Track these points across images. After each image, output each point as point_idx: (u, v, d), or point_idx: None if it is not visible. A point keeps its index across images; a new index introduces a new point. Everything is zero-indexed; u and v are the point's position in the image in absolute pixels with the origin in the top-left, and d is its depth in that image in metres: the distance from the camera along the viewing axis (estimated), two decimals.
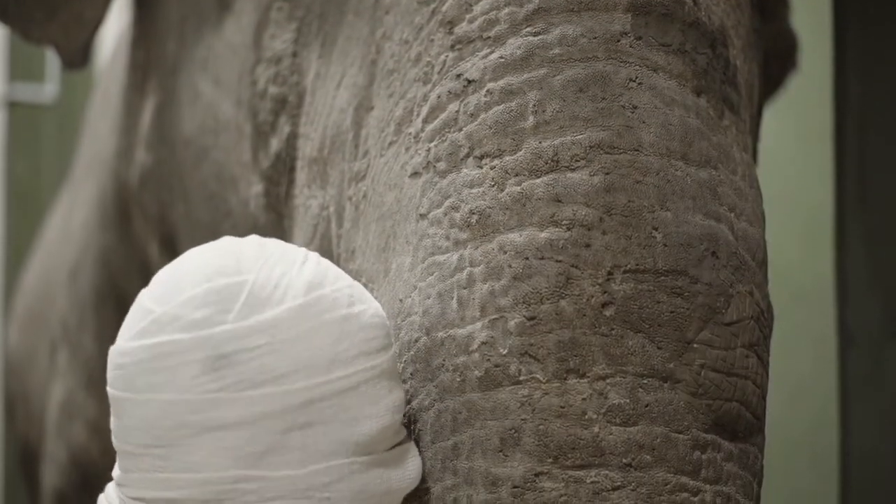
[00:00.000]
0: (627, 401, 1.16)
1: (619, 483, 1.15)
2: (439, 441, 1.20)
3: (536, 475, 1.16)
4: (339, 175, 1.42)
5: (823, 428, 2.12)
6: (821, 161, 2.12)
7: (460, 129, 1.25)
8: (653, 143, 1.21)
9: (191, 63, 1.79)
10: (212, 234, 1.67)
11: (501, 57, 1.25)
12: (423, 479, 1.20)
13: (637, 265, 1.18)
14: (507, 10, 1.26)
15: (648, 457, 1.16)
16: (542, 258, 1.18)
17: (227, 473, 1.12)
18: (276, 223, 1.59)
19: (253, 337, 1.13)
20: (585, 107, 1.22)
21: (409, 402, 1.22)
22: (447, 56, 1.29)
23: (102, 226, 2.23)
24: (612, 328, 1.17)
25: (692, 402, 1.18)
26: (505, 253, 1.19)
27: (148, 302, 1.16)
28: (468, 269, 1.21)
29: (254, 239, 1.21)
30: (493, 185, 1.22)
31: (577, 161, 1.20)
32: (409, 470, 1.19)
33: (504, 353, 1.17)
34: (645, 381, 1.17)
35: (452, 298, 1.21)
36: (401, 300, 1.25)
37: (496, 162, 1.22)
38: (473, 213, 1.22)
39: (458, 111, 1.26)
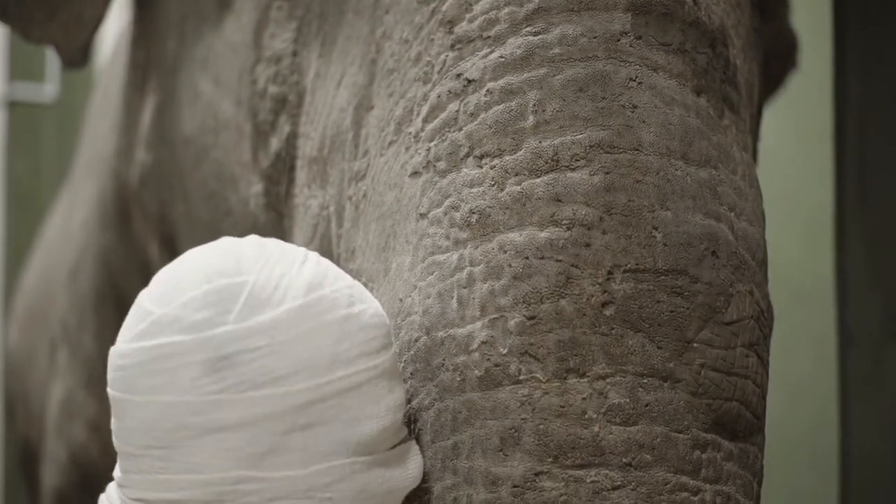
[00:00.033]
0: (627, 400, 1.16)
1: (619, 482, 1.15)
2: (439, 440, 1.20)
3: (536, 475, 1.16)
4: (339, 174, 1.42)
5: (823, 428, 2.12)
6: (821, 161, 2.12)
7: (460, 129, 1.25)
8: (653, 143, 1.21)
9: (191, 62, 1.79)
10: (212, 234, 1.67)
11: (501, 56, 1.25)
12: (423, 479, 1.20)
13: (637, 265, 1.18)
14: (507, 9, 1.26)
15: (648, 456, 1.16)
16: (542, 258, 1.18)
17: (228, 475, 1.12)
18: (276, 223, 1.59)
19: (253, 338, 1.13)
20: (585, 106, 1.22)
21: (409, 401, 1.22)
22: (447, 55, 1.29)
23: (102, 225, 2.23)
24: (612, 328, 1.17)
25: (692, 402, 1.18)
26: (505, 252, 1.19)
27: (148, 303, 1.16)
28: (468, 268, 1.21)
29: (253, 239, 1.21)
30: (493, 185, 1.21)
31: (577, 160, 1.20)
32: (410, 469, 1.19)
33: (504, 352, 1.17)
34: (645, 381, 1.17)
35: (452, 298, 1.21)
36: (401, 300, 1.25)
37: (496, 161, 1.22)
38: (473, 213, 1.22)
39: (458, 111, 1.26)
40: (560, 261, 1.18)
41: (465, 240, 1.22)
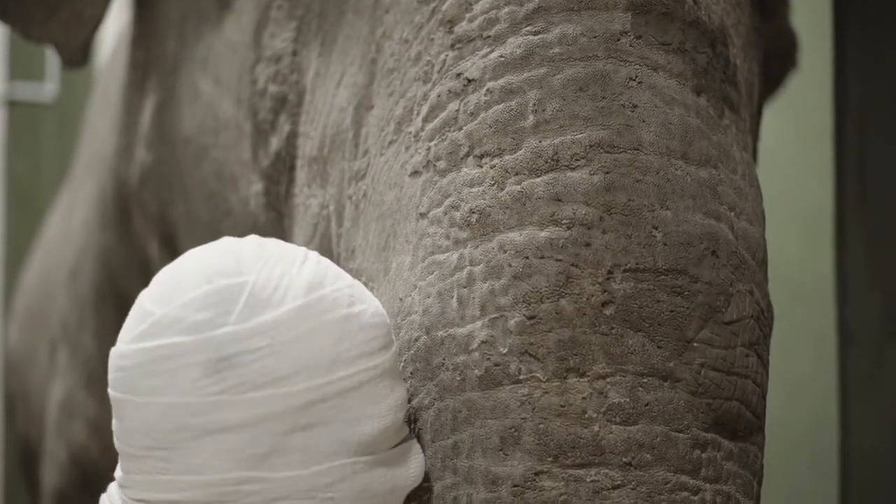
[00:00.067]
0: (627, 400, 1.16)
1: (619, 482, 1.15)
2: (439, 440, 1.20)
3: (536, 474, 1.16)
4: (339, 174, 1.42)
5: (823, 427, 2.12)
6: (821, 160, 2.12)
7: (460, 128, 1.25)
8: (653, 142, 1.21)
9: (191, 62, 1.79)
10: (212, 233, 1.67)
11: (501, 56, 1.25)
12: (424, 478, 1.20)
13: (637, 264, 1.18)
14: (507, 9, 1.26)
15: (648, 456, 1.16)
16: (542, 257, 1.18)
17: (229, 475, 1.12)
18: (276, 222, 1.59)
19: (254, 339, 1.12)
20: (585, 106, 1.22)
21: (409, 400, 1.22)
22: (447, 55, 1.29)
23: (102, 225, 2.23)
24: (612, 327, 1.17)
25: (692, 401, 1.18)
26: (505, 252, 1.19)
27: (148, 304, 1.16)
28: (468, 268, 1.21)
29: (253, 239, 1.21)
30: (493, 184, 1.21)
31: (577, 160, 1.20)
32: (411, 468, 1.19)
33: (504, 351, 1.17)
34: (645, 380, 1.17)
35: (452, 297, 1.21)
36: (401, 299, 1.25)
37: (496, 161, 1.22)
38: (473, 212, 1.22)
39: (458, 110, 1.26)
40: (560, 260, 1.18)
41: (465, 239, 1.21)
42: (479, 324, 1.19)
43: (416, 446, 1.20)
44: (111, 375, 1.17)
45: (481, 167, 1.23)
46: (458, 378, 1.19)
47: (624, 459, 1.15)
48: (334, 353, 1.14)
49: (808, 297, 2.36)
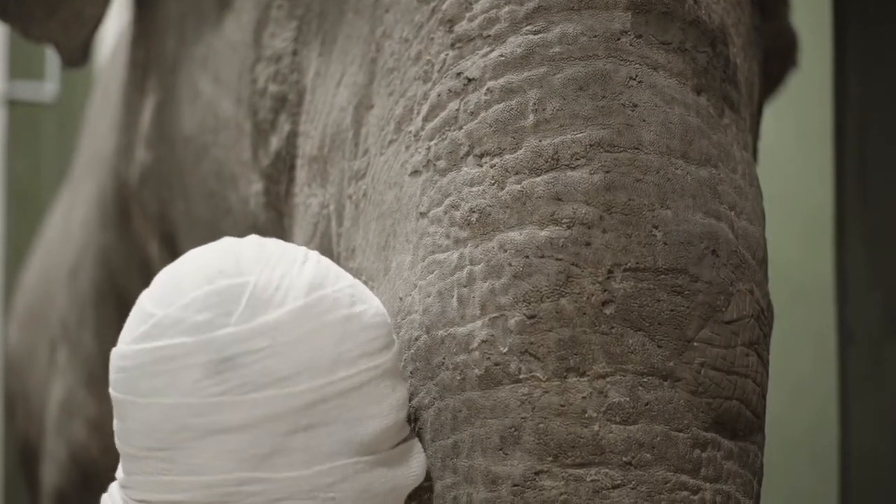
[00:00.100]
0: (627, 399, 1.16)
1: (619, 481, 1.15)
2: (439, 439, 1.20)
3: (536, 473, 1.16)
4: (339, 173, 1.42)
5: (823, 427, 2.12)
6: (821, 160, 2.12)
7: (460, 128, 1.25)
8: (653, 142, 1.21)
9: (191, 61, 1.79)
10: (211, 232, 1.67)
11: (502, 55, 1.25)
12: (424, 477, 1.20)
13: (637, 263, 1.18)
14: (507, 8, 1.26)
15: (648, 455, 1.16)
16: (543, 256, 1.18)
17: (230, 476, 1.12)
18: (276, 221, 1.59)
19: (255, 339, 1.12)
20: (585, 105, 1.22)
21: (409, 400, 1.22)
22: (447, 54, 1.29)
23: (102, 224, 2.23)
24: (612, 326, 1.17)
25: (692, 401, 1.18)
26: (505, 251, 1.19)
27: (149, 305, 1.16)
28: (468, 267, 1.21)
29: (253, 239, 1.21)
30: (494, 184, 1.21)
31: (577, 159, 1.20)
32: (413, 467, 1.19)
33: (504, 351, 1.17)
34: (645, 380, 1.17)
35: (453, 297, 1.21)
36: (401, 298, 1.25)
37: (496, 160, 1.22)
38: (474, 212, 1.22)
39: (458, 109, 1.26)
40: (560, 259, 1.18)
41: (465, 238, 1.21)
42: (479, 323, 1.19)
43: (418, 446, 1.20)
44: (112, 376, 1.17)
45: (481, 166, 1.23)
46: (459, 377, 1.19)
47: (624, 459, 1.15)
48: (336, 354, 1.14)
49: (808, 297, 2.36)
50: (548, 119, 1.22)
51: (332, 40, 1.49)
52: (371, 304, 1.19)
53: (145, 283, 1.21)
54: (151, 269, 1.98)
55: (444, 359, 1.20)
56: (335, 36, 1.49)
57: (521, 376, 1.17)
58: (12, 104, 3.59)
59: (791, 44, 1.88)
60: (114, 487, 1.20)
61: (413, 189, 1.27)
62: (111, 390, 1.17)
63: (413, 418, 1.22)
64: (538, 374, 1.16)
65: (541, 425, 1.16)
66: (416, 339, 1.22)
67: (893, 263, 1.88)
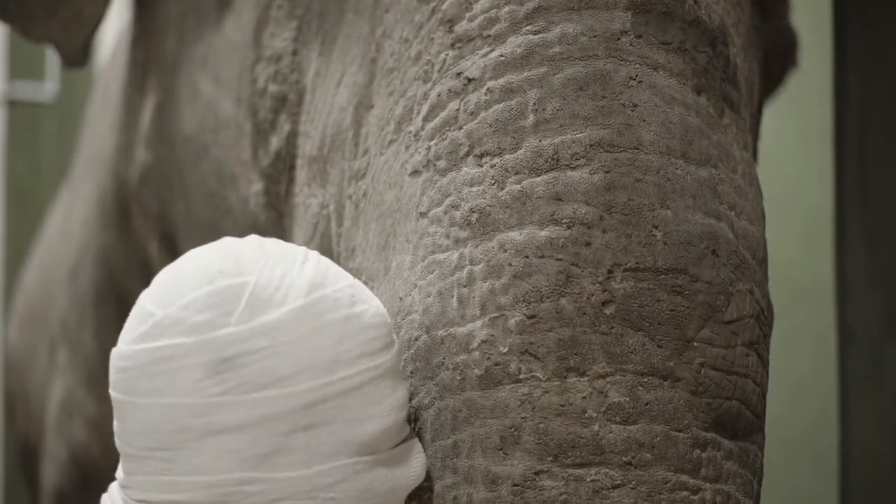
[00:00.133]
0: (627, 399, 1.16)
1: (619, 481, 1.15)
2: (439, 439, 1.20)
3: (536, 473, 1.16)
4: (339, 173, 1.42)
5: (823, 426, 2.12)
6: (821, 159, 2.12)
7: (460, 128, 1.25)
8: (653, 142, 1.21)
9: (191, 61, 1.79)
10: (211, 232, 1.67)
11: (502, 55, 1.25)
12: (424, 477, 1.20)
13: (637, 263, 1.18)
14: (507, 8, 1.26)
15: (648, 455, 1.16)
16: (543, 256, 1.18)
17: (231, 476, 1.12)
18: (276, 221, 1.59)
19: (255, 339, 1.12)
20: (585, 105, 1.22)
21: (409, 400, 1.22)
22: (447, 54, 1.29)
23: (102, 224, 2.23)
24: (612, 326, 1.17)
25: (692, 401, 1.18)
26: (505, 251, 1.19)
27: (149, 305, 1.16)
28: (468, 267, 1.21)
29: (253, 239, 1.21)
30: (494, 184, 1.22)
31: (577, 159, 1.20)
32: (413, 467, 1.19)
33: (504, 351, 1.17)
34: (645, 380, 1.17)
35: (452, 297, 1.21)
36: (401, 298, 1.25)
37: (496, 160, 1.22)
38: (474, 212, 1.22)
39: (458, 109, 1.26)
40: (560, 259, 1.18)
41: (465, 238, 1.22)
42: (479, 323, 1.19)
43: (418, 445, 1.20)
44: (112, 376, 1.17)
45: (481, 166, 1.23)
46: (459, 377, 1.19)
47: (624, 459, 1.15)
48: (336, 354, 1.14)
49: (808, 297, 2.36)
50: (548, 119, 1.22)
51: (332, 40, 1.49)
52: (371, 304, 1.19)
53: (145, 283, 1.21)
54: (151, 269, 1.98)
55: (444, 359, 1.20)
56: (335, 36, 1.49)
57: (521, 376, 1.17)
58: (12, 104, 3.59)
59: (791, 44, 1.88)
60: (114, 487, 1.20)
61: (413, 189, 1.27)
62: (111, 390, 1.17)
63: (413, 418, 1.22)
64: (538, 374, 1.16)
65: (541, 425, 1.16)
66: (416, 339, 1.22)
67: (893, 263, 1.88)
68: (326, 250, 1.43)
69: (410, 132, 1.30)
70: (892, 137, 1.88)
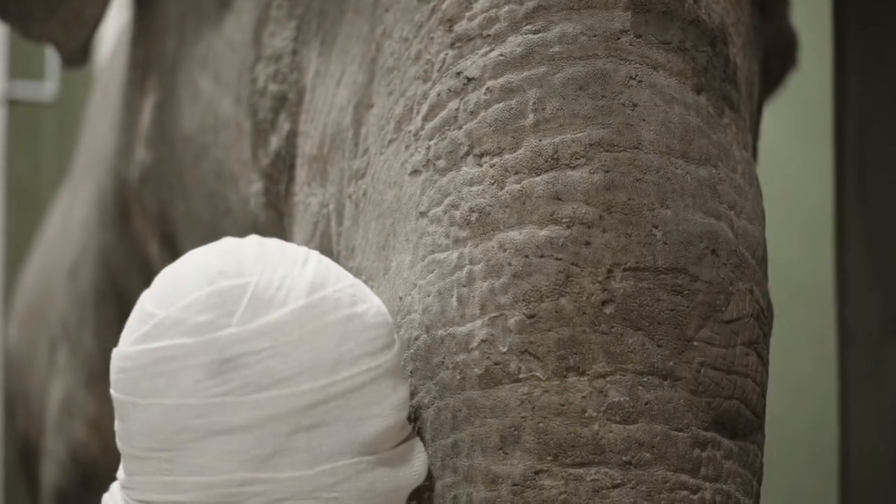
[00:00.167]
0: (627, 398, 1.16)
1: (618, 481, 1.15)
2: (439, 439, 1.20)
3: (536, 473, 1.16)
4: (338, 173, 1.42)
5: (823, 426, 2.12)
6: (821, 159, 2.12)
7: (460, 127, 1.25)
8: (653, 141, 1.21)
9: (190, 61, 1.79)
10: (211, 232, 1.67)
11: (501, 55, 1.25)
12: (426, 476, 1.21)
13: (637, 263, 1.18)
14: (506, 7, 1.26)
15: (648, 454, 1.16)
16: (542, 256, 1.18)
17: (232, 476, 1.12)
18: (276, 221, 1.59)
19: (257, 340, 1.12)
20: (585, 105, 1.22)
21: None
22: (447, 54, 1.29)
23: (102, 224, 2.23)
24: (611, 326, 1.17)
25: (692, 400, 1.18)
26: (505, 251, 1.19)
27: (150, 305, 1.16)
28: (468, 266, 1.21)
29: (254, 239, 1.21)
30: (493, 183, 1.21)
31: (577, 159, 1.20)
32: (415, 466, 1.19)
33: (504, 350, 1.17)
34: (645, 379, 1.17)
35: (452, 296, 1.21)
36: (400, 298, 1.25)
37: (496, 160, 1.22)
38: (473, 211, 1.22)
39: (457, 109, 1.26)
40: (560, 259, 1.18)
41: (464, 238, 1.21)
42: (478, 322, 1.19)
43: (420, 445, 1.20)
44: (113, 377, 1.17)
45: (481, 166, 1.23)
46: (458, 377, 1.19)
47: (624, 458, 1.15)
48: (337, 354, 1.14)
49: (807, 296, 2.35)
50: (547, 118, 1.22)
51: (332, 39, 1.49)
52: (372, 304, 1.19)
53: (145, 282, 1.21)
54: (151, 268, 1.98)
55: (443, 358, 1.20)
56: (335, 35, 1.49)
57: (521, 376, 1.17)
58: (12, 104, 3.59)
59: (791, 43, 1.88)
60: (115, 487, 1.20)
61: (413, 188, 1.27)
62: (112, 391, 1.17)
63: (412, 418, 1.22)
64: (538, 374, 1.16)
65: (540, 425, 1.16)
66: (416, 339, 1.22)
67: (893, 263, 1.88)
68: (326, 249, 1.43)
69: (410, 131, 1.30)
70: (892, 137, 1.88)
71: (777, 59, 1.83)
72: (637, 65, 1.23)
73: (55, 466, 2.44)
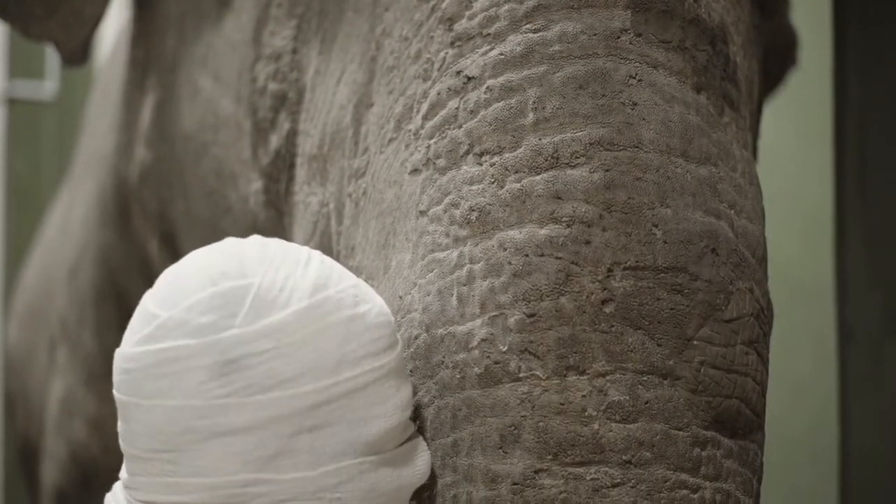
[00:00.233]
0: (627, 398, 1.16)
1: (618, 480, 1.15)
2: (439, 438, 1.20)
3: (536, 472, 1.16)
4: (338, 172, 1.42)
5: (823, 425, 2.12)
6: (821, 158, 2.12)
7: (460, 126, 1.25)
8: (653, 140, 1.21)
9: (190, 60, 1.79)
10: (211, 231, 1.67)
11: (501, 54, 1.25)
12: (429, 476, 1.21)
13: (637, 262, 1.18)
14: (506, 6, 1.26)
15: (648, 454, 1.16)
16: (542, 255, 1.18)
17: (236, 478, 1.12)
18: (276, 220, 1.59)
19: (260, 341, 1.12)
20: (585, 104, 1.22)
21: None
22: (447, 53, 1.29)
23: (102, 223, 2.23)
24: (611, 325, 1.17)
25: (692, 399, 1.18)
26: (505, 250, 1.19)
27: (152, 306, 1.16)
28: (468, 265, 1.20)
29: (256, 240, 1.21)
30: (493, 182, 1.21)
31: (576, 158, 1.20)
32: (418, 466, 1.19)
33: (504, 349, 1.17)
34: (645, 378, 1.17)
35: (452, 295, 1.21)
36: (400, 297, 1.25)
37: (496, 159, 1.22)
38: (473, 210, 1.22)
39: (457, 108, 1.26)
40: (560, 258, 1.18)
41: (464, 237, 1.21)
42: (478, 322, 1.19)
43: (422, 444, 1.20)
44: (116, 378, 1.17)
45: (481, 165, 1.23)
46: (458, 376, 1.19)
47: (624, 457, 1.15)
48: (340, 355, 1.14)
49: (807, 295, 2.35)
50: (547, 117, 1.22)
51: (332, 38, 1.49)
52: (375, 304, 1.19)
53: (145, 281, 1.21)
54: (151, 267, 1.98)
55: (443, 357, 1.20)
56: (335, 34, 1.49)
57: (521, 375, 1.17)
58: (12, 103, 3.59)
59: (791, 42, 1.88)
60: (118, 487, 1.20)
61: (413, 187, 1.27)
62: (115, 392, 1.17)
63: (412, 417, 1.22)
64: (538, 373, 1.16)
65: (540, 424, 1.16)
66: (416, 338, 1.22)
67: (893, 263, 1.88)
68: (326, 248, 1.43)
69: (410, 130, 1.30)
70: (892, 137, 1.88)
71: (777, 58, 1.83)
72: (637, 64, 1.23)
73: (55, 466, 2.44)
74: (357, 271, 1.33)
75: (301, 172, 1.52)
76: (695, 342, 1.18)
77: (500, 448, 1.16)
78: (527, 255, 1.18)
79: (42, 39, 1.94)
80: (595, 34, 1.24)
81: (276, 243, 1.20)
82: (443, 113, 1.27)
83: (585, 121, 1.21)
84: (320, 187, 1.46)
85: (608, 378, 1.16)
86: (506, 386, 1.17)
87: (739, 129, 1.30)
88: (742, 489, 1.20)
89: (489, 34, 1.26)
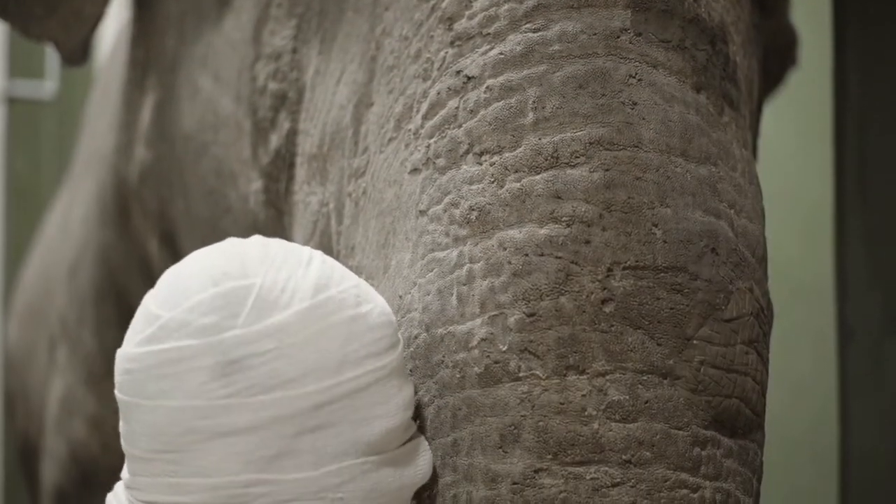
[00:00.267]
0: (627, 397, 1.16)
1: (618, 479, 1.15)
2: (439, 437, 1.20)
3: (536, 472, 1.16)
4: (338, 171, 1.42)
5: (823, 425, 2.12)
6: (821, 157, 2.12)
7: (460, 126, 1.25)
8: (652, 140, 1.21)
9: (190, 59, 1.79)
10: (211, 231, 1.67)
11: (501, 53, 1.25)
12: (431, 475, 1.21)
13: (637, 262, 1.18)
14: (506, 6, 1.26)
15: (648, 453, 1.16)
16: (542, 255, 1.18)
17: (238, 478, 1.12)
18: (276, 220, 1.59)
19: (262, 342, 1.12)
20: (585, 103, 1.22)
21: None
22: (447, 52, 1.29)
23: (102, 222, 2.23)
24: (611, 325, 1.17)
25: (692, 399, 1.18)
26: (504, 249, 1.19)
27: (154, 307, 1.16)
28: (468, 265, 1.20)
29: (257, 240, 1.21)
30: (493, 182, 1.21)
31: (576, 157, 1.20)
32: (420, 465, 1.19)
33: (504, 349, 1.17)
34: (644, 378, 1.17)
35: (452, 295, 1.21)
36: (400, 296, 1.25)
37: (496, 158, 1.22)
38: (473, 210, 1.22)
39: (457, 108, 1.26)
40: (560, 258, 1.18)
41: (464, 237, 1.21)
42: (478, 321, 1.19)
43: (424, 443, 1.20)
44: (118, 378, 1.17)
45: (481, 164, 1.23)
46: (458, 375, 1.19)
47: (623, 457, 1.15)
48: (342, 355, 1.14)
49: (807, 295, 2.35)
50: (547, 117, 1.22)
51: (332, 38, 1.49)
52: (376, 304, 1.19)
53: (145, 281, 1.21)
54: (151, 267, 1.98)
55: (443, 357, 1.20)
56: (335, 34, 1.49)
57: (521, 374, 1.17)
58: (12, 102, 3.58)
59: (791, 41, 1.88)
60: (119, 487, 1.20)
61: (413, 187, 1.27)
62: (117, 392, 1.17)
63: (413, 416, 1.22)
64: (538, 372, 1.16)
65: (540, 423, 1.16)
66: (416, 338, 1.22)
67: (893, 262, 1.88)
68: (326, 248, 1.43)
69: (410, 130, 1.30)
70: (893, 137, 1.88)
71: (777, 57, 1.83)
72: (637, 63, 1.23)
73: (55, 465, 2.44)
74: (357, 271, 1.33)
75: (301, 172, 1.52)
76: (694, 342, 1.18)
77: (500, 447, 1.16)
78: (527, 255, 1.18)
79: (42, 39, 1.94)
80: (595, 34, 1.24)
81: (277, 243, 1.20)
82: (443, 112, 1.27)
83: (585, 120, 1.21)
84: (320, 187, 1.46)
85: (608, 377, 1.16)
86: (506, 385, 1.17)
87: (739, 129, 1.30)
88: (742, 489, 1.20)
89: (489, 34, 1.26)
